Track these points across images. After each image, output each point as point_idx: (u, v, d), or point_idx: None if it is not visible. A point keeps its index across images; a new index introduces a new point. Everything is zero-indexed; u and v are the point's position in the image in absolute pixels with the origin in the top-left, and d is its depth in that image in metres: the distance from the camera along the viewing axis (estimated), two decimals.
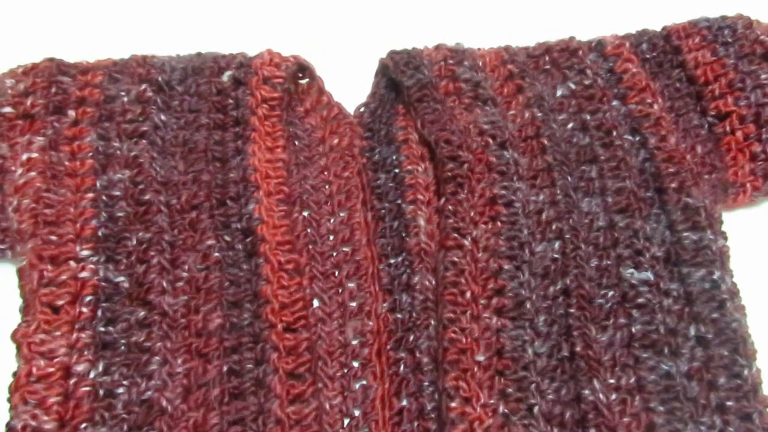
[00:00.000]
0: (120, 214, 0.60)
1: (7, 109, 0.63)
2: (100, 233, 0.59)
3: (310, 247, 0.61)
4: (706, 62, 0.68)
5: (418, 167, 0.64)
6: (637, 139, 0.65)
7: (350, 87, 0.70)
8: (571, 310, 0.56)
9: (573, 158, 0.64)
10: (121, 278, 0.58)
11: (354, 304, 0.59)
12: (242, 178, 0.61)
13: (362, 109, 0.69)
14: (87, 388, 0.53)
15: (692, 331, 0.56)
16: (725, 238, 0.60)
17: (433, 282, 0.58)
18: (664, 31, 0.71)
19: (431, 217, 0.61)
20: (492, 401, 0.53)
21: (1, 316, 0.57)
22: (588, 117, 0.66)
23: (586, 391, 0.53)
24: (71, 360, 0.54)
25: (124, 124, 0.64)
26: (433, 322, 0.57)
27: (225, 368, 0.55)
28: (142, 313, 0.56)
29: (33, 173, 0.61)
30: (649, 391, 0.54)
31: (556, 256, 0.59)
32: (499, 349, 0.55)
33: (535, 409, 0.53)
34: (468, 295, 0.57)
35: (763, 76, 0.67)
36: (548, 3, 0.79)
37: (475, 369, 0.54)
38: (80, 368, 0.54)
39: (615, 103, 0.67)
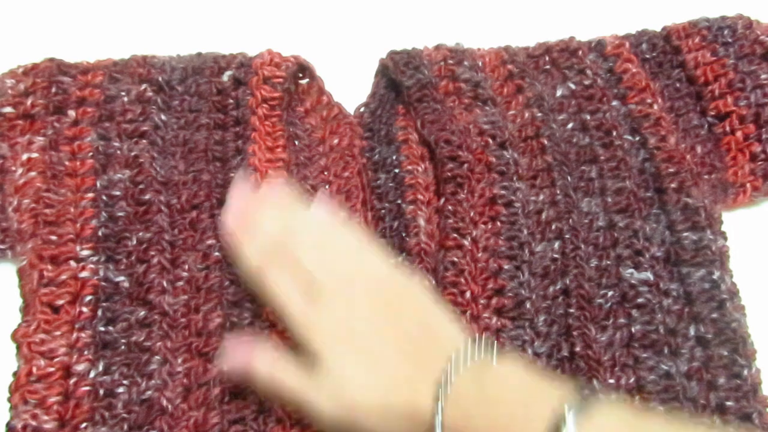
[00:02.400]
0: (120, 214, 0.60)
1: (8, 109, 0.63)
2: (100, 233, 0.59)
3: None
4: (706, 62, 0.68)
5: (418, 167, 0.64)
6: (637, 139, 0.65)
7: (350, 87, 0.70)
8: (571, 310, 0.56)
9: (573, 158, 0.64)
10: (122, 278, 0.58)
11: None
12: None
13: (362, 109, 0.69)
14: (87, 388, 0.53)
15: (692, 331, 0.56)
16: (725, 238, 0.60)
17: (433, 282, 0.58)
18: (664, 31, 0.71)
19: (431, 217, 0.62)
20: None
21: (1, 316, 0.57)
22: (588, 117, 0.66)
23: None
24: (71, 360, 0.54)
25: (125, 124, 0.64)
26: None
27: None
28: (142, 313, 0.56)
29: (33, 173, 0.61)
30: (648, 391, 0.54)
31: (555, 256, 0.59)
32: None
33: None
34: (468, 295, 0.57)
35: (763, 76, 0.67)
36: (548, 3, 0.79)
37: None
38: (80, 368, 0.54)
39: (615, 103, 0.67)
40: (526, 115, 0.66)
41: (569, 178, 0.62)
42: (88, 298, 0.56)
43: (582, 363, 0.54)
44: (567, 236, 0.59)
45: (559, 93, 0.68)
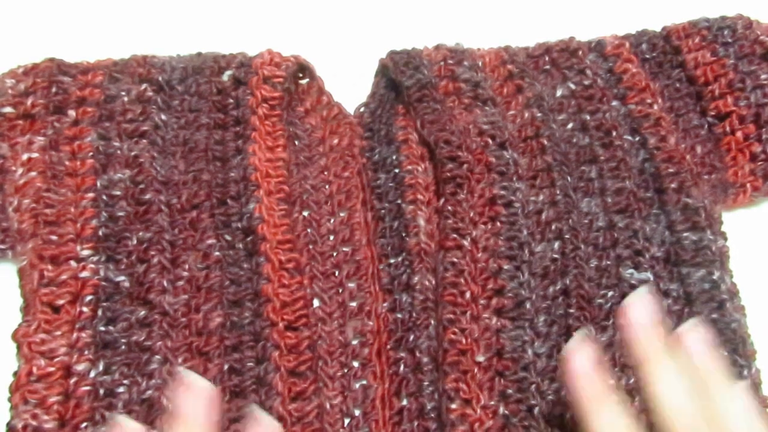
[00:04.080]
0: (120, 214, 0.60)
1: (8, 109, 0.63)
2: (100, 233, 0.59)
3: (310, 246, 0.61)
4: (705, 62, 0.68)
5: (418, 167, 0.64)
6: (637, 139, 0.65)
7: (350, 87, 0.70)
8: (571, 311, 0.56)
9: (573, 158, 0.64)
10: (122, 278, 0.58)
11: (354, 304, 0.59)
12: (243, 177, 0.61)
13: (362, 109, 0.69)
14: (87, 388, 0.53)
15: None
16: (725, 239, 0.60)
17: (433, 282, 0.58)
18: (664, 31, 0.71)
19: (431, 217, 0.62)
20: (492, 403, 0.53)
21: (1, 316, 0.57)
22: (588, 117, 0.66)
23: None
24: (72, 359, 0.54)
25: (125, 124, 0.64)
26: (433, 321, 0.57)
27: (226, 367, 0.55)
28: (142, 313, 0.56)
29: (33, 173, 0.61)
30: None
31: (555, 256, 0.59)
32: (499, 349, 0.55)
33: (536, 410, 0.53)
34: (468, 295, 0.57)
35: (763, 76, 0.67)
36: (548, 3, 0.79)
37: (475, 370, 0.54)
38: (81, 368, 0.54)
39: (615, 103, 0.67)
40: (526, 115, 0.66)
41: (569, 178, 0.62)
42: (89, 297, 0.56)
43: None
44: (567, 236, 0.59)
45: (559, 93, 0.68)
